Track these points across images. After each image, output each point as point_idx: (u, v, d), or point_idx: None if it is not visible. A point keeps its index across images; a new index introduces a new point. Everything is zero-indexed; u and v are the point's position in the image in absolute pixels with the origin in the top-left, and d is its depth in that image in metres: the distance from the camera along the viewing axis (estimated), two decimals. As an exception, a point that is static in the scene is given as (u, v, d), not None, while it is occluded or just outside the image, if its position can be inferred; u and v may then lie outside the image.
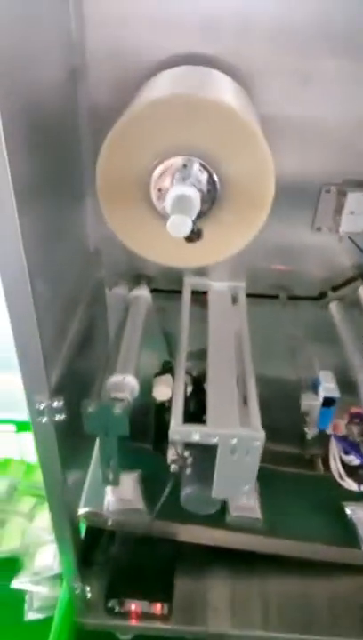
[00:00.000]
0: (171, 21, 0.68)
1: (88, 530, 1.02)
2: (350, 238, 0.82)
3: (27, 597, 1.07)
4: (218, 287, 0.91)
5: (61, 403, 0.59)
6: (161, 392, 0.74)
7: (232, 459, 0.64)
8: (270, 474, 1.08)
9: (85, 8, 0.67)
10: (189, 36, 0.69)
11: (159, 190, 0.55)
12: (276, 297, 0.94)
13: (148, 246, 0.60)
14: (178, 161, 0.53)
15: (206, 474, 0.70)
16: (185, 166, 0.53)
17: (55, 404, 0.59)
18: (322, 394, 0.71)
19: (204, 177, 0.54)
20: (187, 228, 0.48)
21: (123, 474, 0.96)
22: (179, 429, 0.62)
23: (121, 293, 0.88)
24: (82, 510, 0.96)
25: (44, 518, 1.19)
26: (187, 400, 0.76)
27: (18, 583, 1.08)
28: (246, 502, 0.94)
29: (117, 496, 0.94)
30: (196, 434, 0.62)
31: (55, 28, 0.65)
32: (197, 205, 0.52)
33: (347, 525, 0.98)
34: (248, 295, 0.91)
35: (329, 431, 0.87)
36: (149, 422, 0.82)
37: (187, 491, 0.74)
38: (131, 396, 0.69)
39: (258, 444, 0.62)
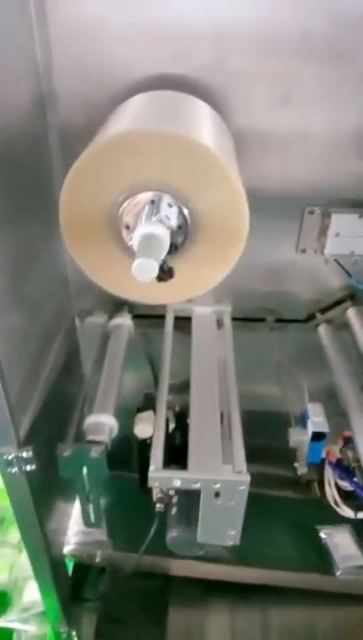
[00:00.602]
0: (141, 41, 0.65)
1: (76, 565, 0.99)
2: (335, 260, 0.79)
3: (15, 637, 1.03)
4: (202, 312, 0.88)
5: (30, 453, 0.56)
6: (143, 430, 0.71)
7: (216, 503, 0.60)
8: (261, 498, 1.05)
9: (51, 32, 0.64)
10: (162, 55, 0.66)
11: (127, 227, 0.52)
12: (263, 320, 0.90)
13: (119, 284, 0.56)
14: (146, 196, 0.50)
15: (192, 515, 0.66)
16: (153, 202, 0.50)
17: (24, 454, 0.56)
18: (311, 428, 0.68)
19: (174, 211, 0.50)
20: (153, 271, 0.44)
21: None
22: (158, 476, 0.59)
23: (98, 322, 0.84)
24: (68, 548, 0.93)
25: (33, 549, 1.16)
26: (170, 436, 0.73)
27: (5, 622, 1.04)
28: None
29: (80, 527, 0.90)
30: (176, 480, 0.58)
31: (20, 54, 0.62)
32: (165, 245, 0.48)
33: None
34: (234, 319, 0.88)
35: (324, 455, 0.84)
36: (134, 452, 0.79)
37: (173, 534, 0.70)
38: (109, 438, 0.66)
39: (243, 489, 0.59)
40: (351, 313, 0.83)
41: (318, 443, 0.69)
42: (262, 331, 0.90)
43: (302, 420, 0.71)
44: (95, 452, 0.63)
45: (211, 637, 0.94)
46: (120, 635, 0.89)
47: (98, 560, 0.94)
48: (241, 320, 0.89)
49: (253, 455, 0.82)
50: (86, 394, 0.71)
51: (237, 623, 0.96)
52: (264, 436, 0.76)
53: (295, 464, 0.73)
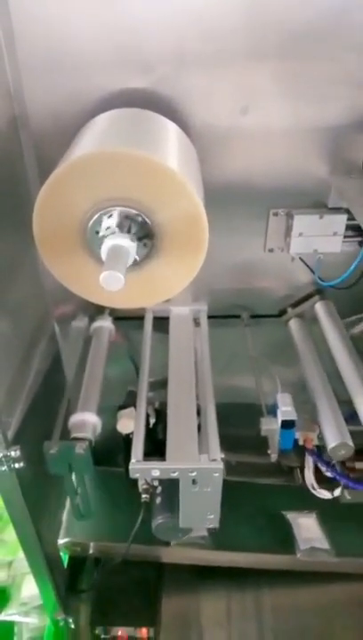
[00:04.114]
0: (105, 58, 0.69)
1: (72, 558, 1.04)
2: (300, 259, 0.84)
3: (16, 629, 1.08)
4: (179, 311, 0.92)
5: (18, 452, 0.60)
6: (125, 425, 0.75)
7: (194, 490, 0.65)
8: (243, 487, 1.11)
9: (19, 57, 0.67)
10: (125, 71, 0.70)
11: (97, 239, 0.56)
12: (238, 317, 0.95)
13: (91, 291, 0.61)
14: (112, 210, 0.54)
15: (175, 503, 0.71)
16: (119, 215, 0.54)
17: (12, 453, 0.60)
18: (280, 417, 0.72)
19: (140, 224, 0.55)
20: (119, 282, 0.49)
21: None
22: (138, 467, 0.63)
23: (80, 326, 0.89)
24: (62, 541, 0.97)
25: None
26: (151, 431, 0.78)
27: (6, 615, 1.08)
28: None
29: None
30: (155, 470, 0.63)
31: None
32: (132, 255, 0.53)
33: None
34: (211, 317, 0.93)
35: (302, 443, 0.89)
36: (120, 447, 0.83)
37: (158, 521, 0.75)
38: (93, 435, 0.70)
39: (217, 476, 0.63)
40: (319, 307, 0.88)
41: (287, 430, 0.74)
42: (238, 327, 0.95)
43: (273, 410, 0.75)
44: (80, 449, 0.67)
45: (202, 621, 0.99)
46: (115, 621, 0.94)
47: (91, 551, 0.99)
48: (217, 318, 0.94)
49: (238, 445, 0.87)
50: (70, 394, 0.75)
51: (229, 607, 1.01)
52: (248, 426, 0.81)
53: (268, 451, 0.77)
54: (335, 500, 0.95)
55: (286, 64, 0.70)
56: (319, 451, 0.92)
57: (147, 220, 0.55)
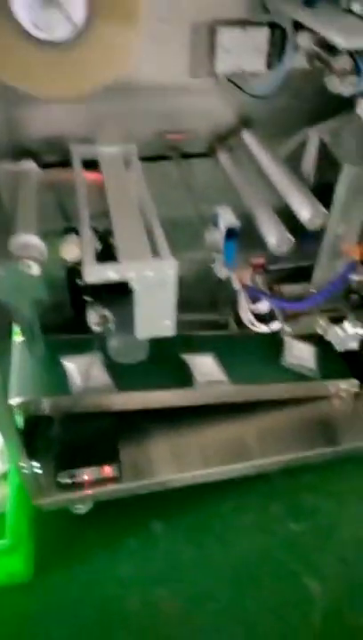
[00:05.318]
0: None
1: (25, 421, 1.04)
2: (229, 80, 0.83)
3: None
4: (109, 152, 0.89)
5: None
6: (70, 251, 0.73)
7: (149, 294, 0.66)
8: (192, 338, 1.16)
9: None
10: None
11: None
12: (169, 158, 0.94)
13: (15, 71, 0.55)
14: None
15: (129, 323, 0.72)
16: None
17: None
18: (223, 226, 0.74)
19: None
20: (63, 24, 0.45)
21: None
22: (94, 270, 0.63)
23: (8, 169, 0.83)
24: (15, 400, 0.96)
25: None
26: (98, 257, 0.77)
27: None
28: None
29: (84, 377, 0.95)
30: (111, 271, 0.63)
31: None
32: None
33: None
34: (141, 159, 0.90)
35: (236, 287, 0.94)
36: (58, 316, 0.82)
37: (114, 343, 0.77)
38: (41, 257, 0.68)
39: (171, 273, 0.65)
40: (246, 135, 0.90)
41: (231, 241, 0.77)
42: (169, 167, 0.94)
43: (215, 223, 0.77)
44: (33, 270, 0.65)
45: (157, 455, 1.06)
46: (78, 464, 0.97)
47: (44, 409, 0.99)
48: (148, 160, 0.92)
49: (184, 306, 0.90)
50: (6, 219, 0.71)
51: (178, 441, 1.08)
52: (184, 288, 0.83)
53: (213, 267, 0.80)
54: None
55: None
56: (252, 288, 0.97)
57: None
